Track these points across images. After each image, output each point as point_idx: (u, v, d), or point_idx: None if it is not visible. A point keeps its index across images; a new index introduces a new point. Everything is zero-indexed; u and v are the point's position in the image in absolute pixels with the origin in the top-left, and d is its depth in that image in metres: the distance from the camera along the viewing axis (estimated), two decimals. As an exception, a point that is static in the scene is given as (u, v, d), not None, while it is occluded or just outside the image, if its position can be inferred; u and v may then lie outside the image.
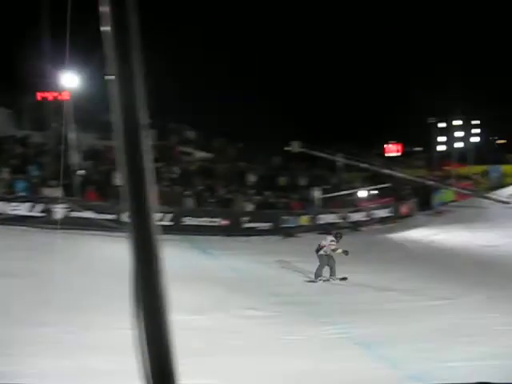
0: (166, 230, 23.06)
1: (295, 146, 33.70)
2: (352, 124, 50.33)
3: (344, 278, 15.84)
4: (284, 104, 45.51)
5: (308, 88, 49.98)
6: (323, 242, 16.18)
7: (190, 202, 26.20)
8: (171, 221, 23.84)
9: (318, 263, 15.89)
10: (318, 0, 49.69)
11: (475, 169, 44.62)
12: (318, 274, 15.82)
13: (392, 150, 56.89)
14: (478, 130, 53.07)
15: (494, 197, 31.25)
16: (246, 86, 42.93)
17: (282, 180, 32.17)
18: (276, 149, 36.40)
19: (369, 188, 32.59)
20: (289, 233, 25.76)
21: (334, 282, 15.88)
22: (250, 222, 25.84)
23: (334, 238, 16.26)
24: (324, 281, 15.78)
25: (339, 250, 15.99)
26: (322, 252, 16.01)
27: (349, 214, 28.86)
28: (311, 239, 25.08)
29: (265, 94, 44.97)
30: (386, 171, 32.44)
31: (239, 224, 25.53)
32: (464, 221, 27.36)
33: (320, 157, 33.34)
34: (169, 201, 25.24)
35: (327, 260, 15.98)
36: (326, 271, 16.04)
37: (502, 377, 6.78)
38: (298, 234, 25.86)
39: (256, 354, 8.82)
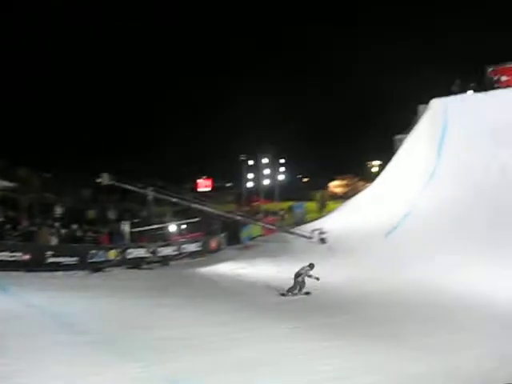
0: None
1: (105, 179, 32.86)
2: (164, 158, 50.62)
3: (308, 293, 19.34)
4: (92, 136, 44.78)
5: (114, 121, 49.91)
6: (301, 271, 19.50)
7: (-13, 236, 24.35)
8: (-35, 256, 22.03)
9: (293, 283, 19.38)
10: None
11: (281, 205, 46.85)
12: (289, 291, 19.32)
13: (203, 185, 57.95)
14: (283, 169, 55.69)
15: (297, 232, 32.81)
16: (53, 114, 41.54)
17: (91, 213, 31.22)
18: (86, 180, 35.33)
19: (179, 222, 32.73)
20: (97, 267, 24.89)
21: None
22: (54, 256, 24.59)
23: (309, 268, 19.50)
24: (292, 295, 19.23)
25: (313, 276, 19.21)
26: (299, 278, 19.37)
27: (158, 249, 28.67)
28: (119, 274, 24.63)
29: (74, 125, 43.90)
30: (196, 206, 32.79)
31: (43, 258, 24.18)
32: (270, 255, 28.42)
33: (131, 190, 32.85)
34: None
35: (300, 283, 19.41)
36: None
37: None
38: (107, 269, 25.10)
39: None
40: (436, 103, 34.77)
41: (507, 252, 21.75)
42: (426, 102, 35.45)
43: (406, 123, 38.15)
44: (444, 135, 33.15)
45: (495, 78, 35.98)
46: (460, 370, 10.60)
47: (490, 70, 36.09)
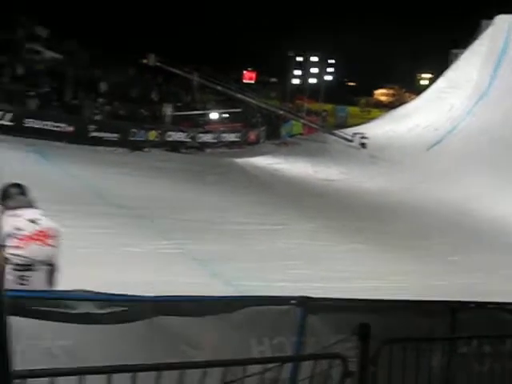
0: (5, 130, 21.67)
1: (152, 59, 32.67)
2: (213, 45, 49.88)
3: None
4: (143, 14, 44.13)
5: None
6: None
7: (33, 103, 24.73)
8: (12, 121, 22.48)
9: None
10: None
11: (324, 106, 46.30)
12: None
13: (247, 76, 57.31)
14: (332, 69, 54.53)
15: (338, 133, 32.39)
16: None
17: (135, 92, 31.25)
18: (131, 60, 35.09)
19: (221, 111, 32.71)
20: (136, 146, 25.27)
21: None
22: (97, 131, 25.02)
23: None
24: None
25: None
26: None
27: (198, 134, 28.87)
28: (157, 155, 25.02)
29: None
30: (240, 96, 32.58)
31: (86, 132, 24.64)
32: (308, 154, 28.36)
33: (176, 74, 32.67)
34: (9, 99, 23.71)
35: None
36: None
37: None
38: (146, 149, 25.48)
39: (93, 263, 8.60)
40: (500, 20, 32.84)
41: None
42: (491, 18, 33.69)
43: (465, 38, 36.57)
44: (503, 56, 31.78)
45: None
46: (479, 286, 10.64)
47: None
